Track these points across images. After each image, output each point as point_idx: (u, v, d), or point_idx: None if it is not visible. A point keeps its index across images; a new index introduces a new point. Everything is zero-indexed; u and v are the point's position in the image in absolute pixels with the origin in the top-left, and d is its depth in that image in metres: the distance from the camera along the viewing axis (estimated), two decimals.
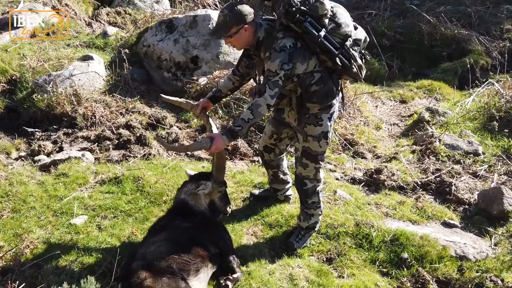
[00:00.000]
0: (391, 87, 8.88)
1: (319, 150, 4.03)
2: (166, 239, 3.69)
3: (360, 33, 3.85)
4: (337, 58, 3.67)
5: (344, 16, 3.74)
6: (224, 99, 6.17)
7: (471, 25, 10.85)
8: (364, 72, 3.88)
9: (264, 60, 3.65)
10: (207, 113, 4.28)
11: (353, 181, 5.67)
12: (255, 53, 3.84)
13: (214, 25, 3.80)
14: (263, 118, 3.82)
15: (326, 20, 3.64)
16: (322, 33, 3.60)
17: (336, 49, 3.65)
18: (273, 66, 3.55)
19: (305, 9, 3.53)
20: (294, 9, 3.50)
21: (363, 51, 3.91)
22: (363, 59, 3.88)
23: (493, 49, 10.07)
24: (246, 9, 3.64)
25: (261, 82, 3.71)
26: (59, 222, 4.47)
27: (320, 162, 4.13)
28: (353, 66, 3.75)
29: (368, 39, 3.93)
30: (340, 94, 4.06)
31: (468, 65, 8.49)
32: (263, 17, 3.88)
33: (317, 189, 4.26)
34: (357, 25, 3.89)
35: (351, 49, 3.73)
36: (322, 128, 3.95)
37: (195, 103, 4.28)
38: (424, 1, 11.68)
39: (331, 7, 3.68)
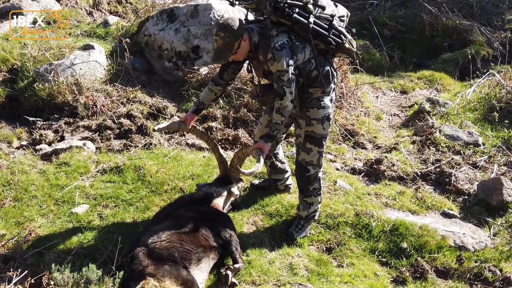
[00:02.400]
0: (392, 77, 8.86)
1: (323, 132, 4.11)
2: (169, 227, 3.74)
3: (342, 10, 4.02)
4: (330, 39, 3.83)
5: None
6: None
7: (473, 16, 10.79)
8: (355, 44, 4.04)
9: (268, 62, 3.71)
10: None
11: (353, 171, 5.69)
12: (253, 57, 3.90)
13: (214, 50, 3.79)
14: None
15: (311, 6, 3.73)
16: (312, 19, 3.71)
17: (326, 31, 3.80)
18: (280, 65, 3.65)
19: (290, 1, 3.61)
20: (281, 4, 3.59)
21: (347, 26, 4.09)
22: (350, 33, 4.03)
23: (494, 40, 10.04)
24: (236, 21, 3.68)
25: (276, 85, 3.77)
26: (60, 211, 4.51)
27: (324, 146, 4.22)
28: (345, 42, 3.93)
29: (349, 14, 4.12)
30: (336, 74, 4.14)
31: (470, 56, 8.47)
32: (246, 20, 3.91)
33: (319, 175, 4.33)
34: (335, 3, 4.01)
35: (338, 27, 3.89)
36: (325, 111, 4.05)
37: (182, 119, 4.39)
38: None
39: None
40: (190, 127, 4.37)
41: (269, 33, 3.71)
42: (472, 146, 6.06)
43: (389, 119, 7.28)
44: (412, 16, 10.58)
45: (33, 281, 3.41)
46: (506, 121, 6.55)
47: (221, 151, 4.55)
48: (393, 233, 4.50)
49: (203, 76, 6.71)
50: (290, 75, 3.68)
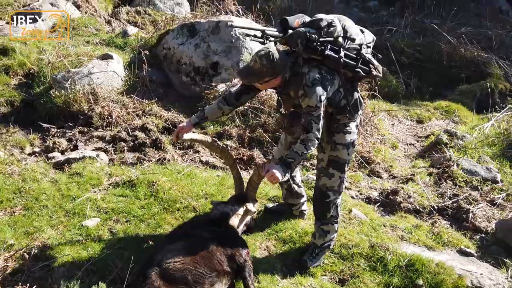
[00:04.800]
0: (408, 105, 8.79)
1: (347, 158, 4.04)
2: (183, 248, 3.64)
3: (368, 36, 3.96)
4: (358, 69, 3.78)
5: (352, 27, 3.79)
6: (241, 108, 6.17)
7: (491, 49, 10.73)
8: (381, 69, 3.97)
9: (300, 98, 3.65)
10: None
11: (369, 200, 5.59)
12: (283, 91, 3.84)
13: (247, 66, 3.71)
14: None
15: (341, 39, 3.69)
16: (342, 53, 3.67)
17: (355, 61, 3.75)
18: (312, 102, 3.57)
19: (323, 39, 3.57)
20: (314, 44, 3.53)
21: (373, 51, 4.03)
22: (375, 58, 3.98)
23: None
24: (283, 60, 3.63)
25: (304, 119, 3.66)
26: (71, 223, 4.41)
27: (345, 171, 4.13)
28: (372, 70, 3.86)
29: (375, 39, 4.05)
30: (363, 101, 4.08)
31: (489, 89, 8.39)
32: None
33: (338, 202, 4.23)
34: (363, 29, 3.95)
35: (366, 55, 3.84)
36: (351, 136, 4.00)
37: (180, 127, 4.11)
38: (444, 21, 11.58)
39: (339, 21, 3.71)
40: (211, 141, 4.26)
41: (300, 70, 3.66)
42: (490, 182, 5.94)
43: (405, 148, 7.19)
44: (430, 45, 10.56)
45: None
46: None
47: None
48: (408, 269, 4.37)
49: (220, 93, 6.65)
50: (320, 112, 3.61)
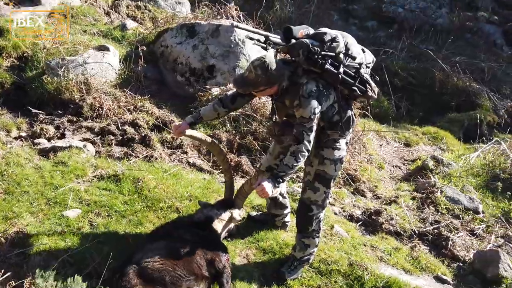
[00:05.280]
0: (397, 128, 8.86)
1: (333, 174, 4.03)
2: (164, 248, 3.61)
3: (369, 56, 3.96)
4: (355, 87, 3.78)
5: (354, 46, 3.81)
6: (233, 113, 6.16)
7: (483, 80, 10.85)
8: (376, 91, 3.96)
9: (294, 108, 3.64)
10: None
11: (351, 218, 5.60)
12: (278, 99, 3.82)
13: (242, 76, 3.69)
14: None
15: (342, 56, 3.70)
16: (342, 69, 3.67)
17: (353, 79, 3.75)
18: (306, 113, 3.56)
19: (325, 53, 3.57)
20: (315, 56, 3.54)
21: (371, 72, 4.03)
22: (372, 79, 3.98)
23: (501, 107, 10.10)
24: (279, 70, 3.60)
25: (296, 130, 3.65)
26: (51, 211, 4.35)
27: (331, 187, 4.13)
28: (368, 90, 3.85)
29: (375, 60, 4.05)
30: (355, 119, 4.09)
31: (478, 120, 8.50)
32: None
33: (320, 216, 4.22)
34: (364, 48, 3.95)
35: (364, 75, 3.84)
36: (339, 152, 4.00)
37: (175, 126, 4.16)
38: (440, 48, 11.69)
39: (342, 37, 3.73)
40: (211, 142, 4.26)
41: (299, 81, 3.65)
42: (471, 212, 5.99)
43: (390, 170, 7.23)
44: (424, 70, 10.64)
45: (14, 284, 3.25)
46: (509, 192, 6.48)
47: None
48: None
49: (214, 96, 6.63)
50: (313, 124, 3.60)
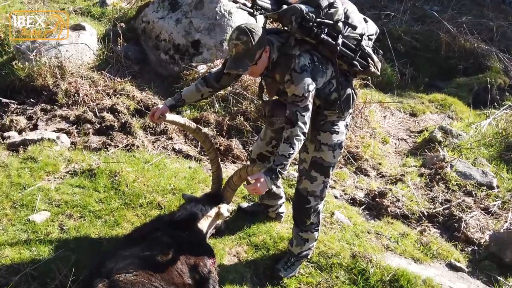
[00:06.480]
0: (402, 97, 8.30)
1: (332, 161, 3.58)
2: (140, 256, 3.18)
3: (371, 27, 3.53)
4: (355, 62, 3.32)
5: (355, 14, 3.38)
6: (222, 92, 5.67)
7: (492, 40, 10.27)
8: (380, 67, 3.51)
9: (285, 83, 3.16)
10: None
11: (353, 201, 5.13)
12: (268, 74, 3.34)
13: (232, 57, 3.15)
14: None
15: (341, 24, 3.21)
16: (340, 40, 3.21)
17: (353, 52, 3.29)
18: (298, 91, 3.11)
19: (321, 20, 3.10)
20: (310, 24, 3.06)
21: (374, 46, 3.55)
22: (376, 53, 3.50)
23: None
24: (259, 28, 3.13)
25: (288, 110, 3.19)
26: (16, 216, 3.91)
27: (330, 176, 3.68)
28: (371, 66, 3.40)
29: (378, 31, 3.60)
30: (356, 97, 3.60)
31: (488, 84, 7.93)
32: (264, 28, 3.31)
33: (319, 208, 3.78)
34: (367, 18, 3.50)
35: (366, 47, 3.37)
36: (338, 137, 3.53)
37: (154, 110, 3.61)
38: (445, 9, 11.06)
39: (341, 4, 3.25)
40: (195, 128, 3.77)
41: (291, 52, 3.15)
42: (485, 187, 5.50)
43: (395, 144, 6.72)
44: (428, 33, 10.02)
45: None
46: None
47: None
48: (392, 285, 3.94)
49: (200, 74, 6.11)
50: (308, 102, 3.12)
